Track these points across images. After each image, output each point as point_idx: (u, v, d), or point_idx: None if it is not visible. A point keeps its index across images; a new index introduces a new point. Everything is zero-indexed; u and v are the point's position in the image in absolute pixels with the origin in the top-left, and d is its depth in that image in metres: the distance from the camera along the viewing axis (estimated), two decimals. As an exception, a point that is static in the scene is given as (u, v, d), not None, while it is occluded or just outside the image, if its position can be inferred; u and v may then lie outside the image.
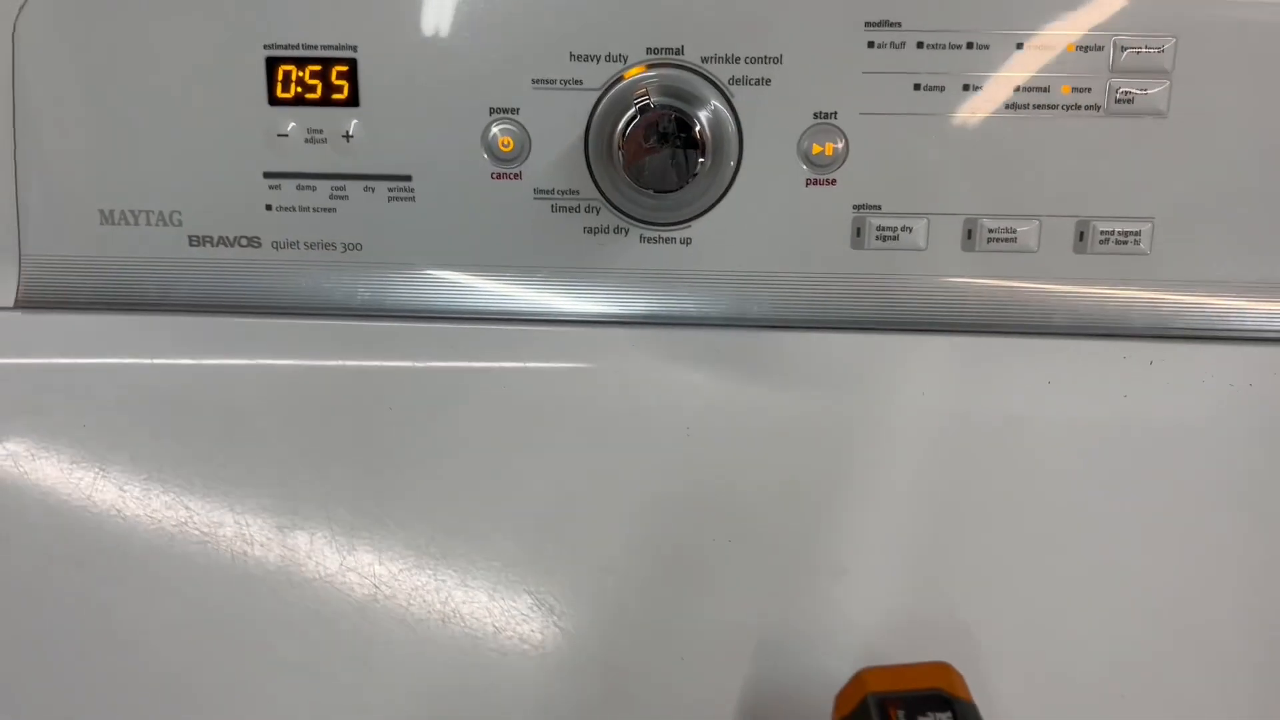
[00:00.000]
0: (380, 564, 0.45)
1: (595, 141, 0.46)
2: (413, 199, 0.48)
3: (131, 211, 0.48)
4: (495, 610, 0.45)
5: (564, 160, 0.47)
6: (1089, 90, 0.45)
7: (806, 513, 0.46)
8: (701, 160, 0.44)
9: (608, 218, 0.47)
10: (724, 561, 0.45)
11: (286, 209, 0.48)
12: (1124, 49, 0.45)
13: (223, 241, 0.49)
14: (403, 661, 0.45)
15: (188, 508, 0.46)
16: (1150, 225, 0.46)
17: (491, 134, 0.46)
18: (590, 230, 0.48)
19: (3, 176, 0.48)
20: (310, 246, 0.48)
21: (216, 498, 0.46)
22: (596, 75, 0.46)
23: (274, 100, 0.47)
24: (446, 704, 0.45)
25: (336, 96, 0.47)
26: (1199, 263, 0.47)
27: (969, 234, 0.47)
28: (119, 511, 0.46)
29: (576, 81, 0.46)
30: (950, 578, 0.45)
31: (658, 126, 0.44)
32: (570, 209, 0.47)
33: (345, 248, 0.48)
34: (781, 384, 0.47)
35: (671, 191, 0.45)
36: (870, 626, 0.44)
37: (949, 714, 0.35)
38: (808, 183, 0.47)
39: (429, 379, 0.47)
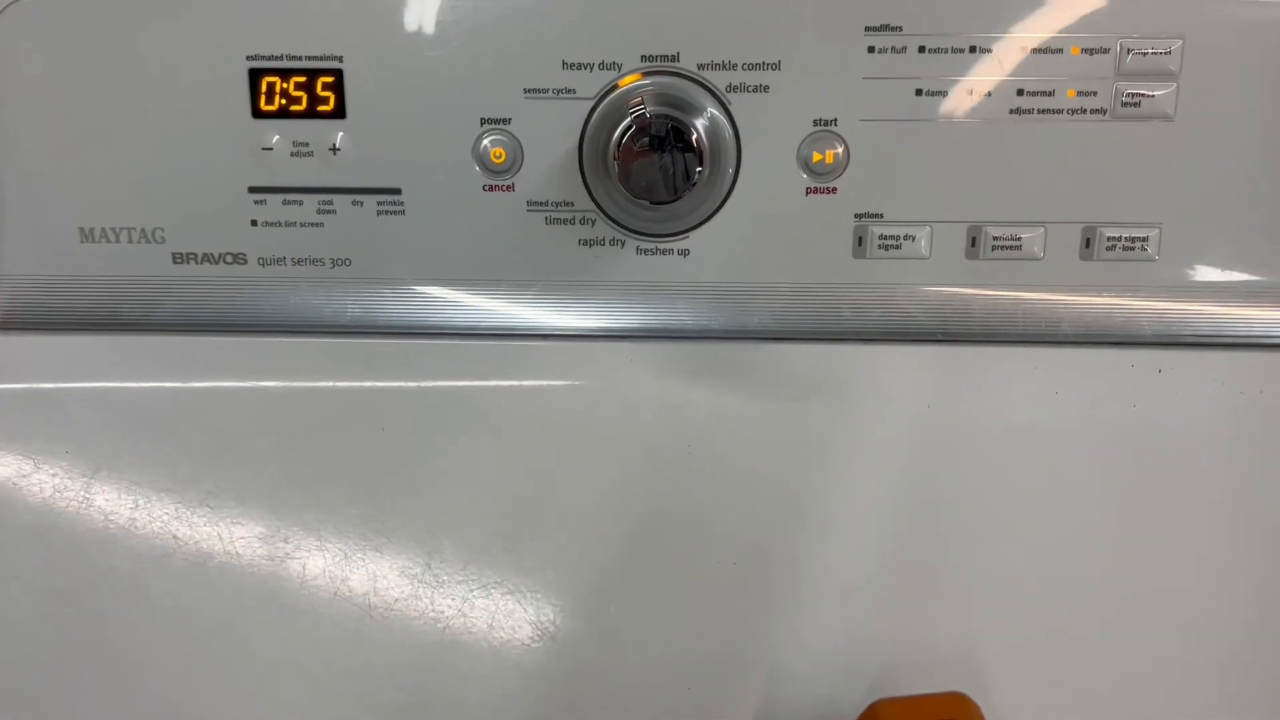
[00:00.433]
0: (375, 593, 0.44)
1: (590, 152, 0.45)
2: (402, 212, 0.46)
3: (112, 229, 0.47)
4: (494, 639, 0.44)
5: (558, 171, 0.45)
6: (1095, 94, 0.44)
7: (813, 531, 0.45)
8: (699, 170, 0.43)
9: (603, 229, 0.46)
10: (730, 584, 0.44)
11: (272, 224, 0.47)
12: (1130, 51, 0.44)
13: (207, 259, 0.47)
14: (398, 690, 0.44)
15: (175, 537, 0.45)
16: (1158, 231, 0.46)
17: (483, 145, 0.45)
18: (585, 242, 0.47)
19: (-22, 194, 0.47)
20: (297, 263, 0.47)
21: (204, 526, 0.45)
22: (590, 84, 0.44)
23: (257, 113, 0.45)
24: (445, 732, 0.44)
25: (322, 108, 0.45)
26: (1208, 268, 0.46)
27: (973, 242, 0.46)
28: (104, 541, 0.45)
29: (570, 90, 0.45)
30: (961, 593, 0.45)
31: (654, 136, 0.43)
32: (565, 221, 0.46)
33: (333, 263, 0.47)
34: (784, 397, 0.46)
35: (668, 202, 0.44)
36: (881, 649, 0.43)
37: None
38: (808, 191, 0.46)
39: (422, 398, 0.46)
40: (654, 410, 0.46)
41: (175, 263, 0.47)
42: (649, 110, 0.43)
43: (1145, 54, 0.44)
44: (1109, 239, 0.46)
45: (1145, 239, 0.46)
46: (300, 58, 0.45)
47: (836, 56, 0.44)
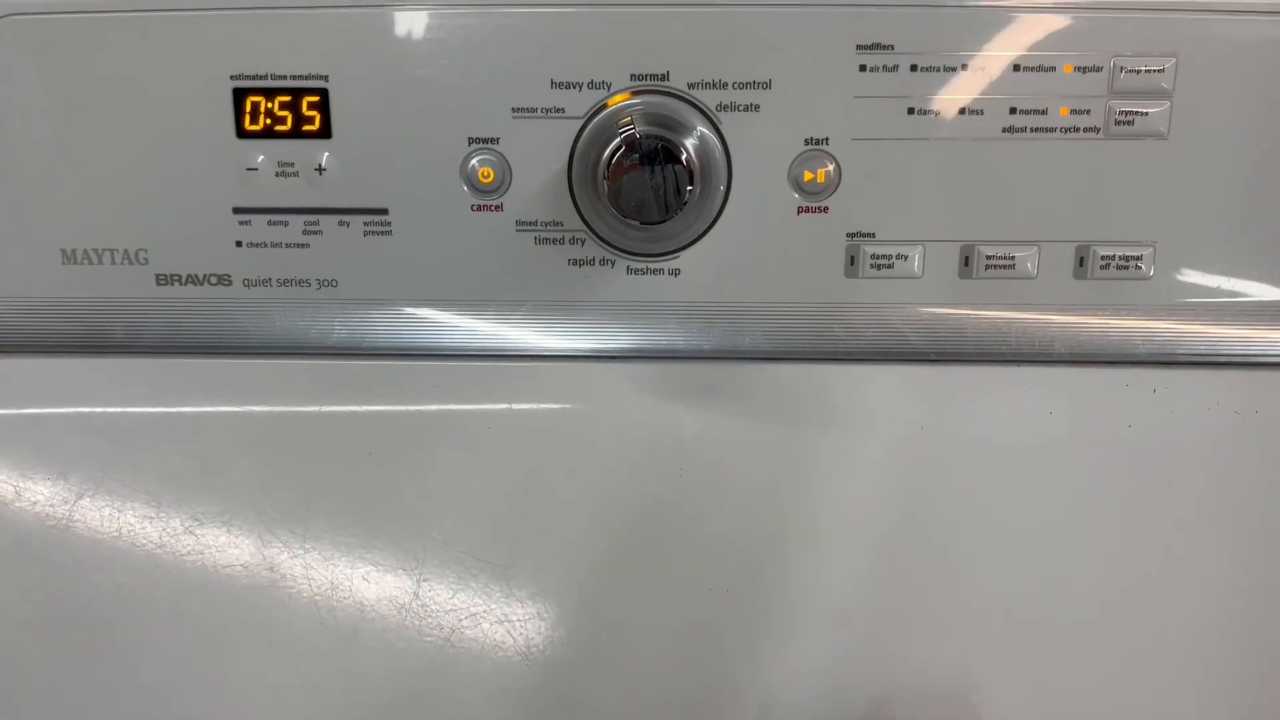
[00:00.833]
0: (362, 622, 0.43)
1: (579, 171, 0.44)
2: (389, 233, 0.46)
3: (94, 250, 0.46)
4: (484, 668, 0.43)
5: (547, 191, 0.45)
6: (1088, 112, 0.44)
7: (806, 556, 0.44)
8: (690, 189, 0.43)
9: (593, 249, 0.46)
10: (723, 613, 0.43)
11: (258, 245, 0.46)
12: (1123, 69, 0.43)
13: (191, 280, 0.47)
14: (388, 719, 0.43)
15: (159, 565, 0.44)
16: (1152, 249, 0.45)
17: (471, 165, 0.45)
18: (575, 262, 0.46)
19: (-42, 216, 0.46)
20: (283, 284, 0.47)
21: (188, 555, 0.44)
22: (579, 103, 0.44)
23: (242, 133, 0.45)
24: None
25: (308, 128, 0.45)
26: (1203, 287, 0.46)
27: (966, 261, 0.45)
28: (87, 569, 0.44)
29: (558, 110, 0.44)
30: (955, 617, 0.44)
31: (644, 155, 0.42)
32: (554, 241, 0.46)
33: (320, 284, 0.47)
34: (777, 418, 0.46)
35: (659, 222, 0.43)
36: (879, 680, 0.43)
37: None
38: (799, 210, 0.45)
39: (410, 421, 0.46)
40: (646, 431, 0.45)
41: (159, 284, 0.47)
42: (639, 130, 0.42)
43: (1139, 72, 0.43)
44: (1103, 258, 0.45)
45: (1139, 258, 0.45)
46: (285, 77, 0.44)
47: (827, 75, 0.43)
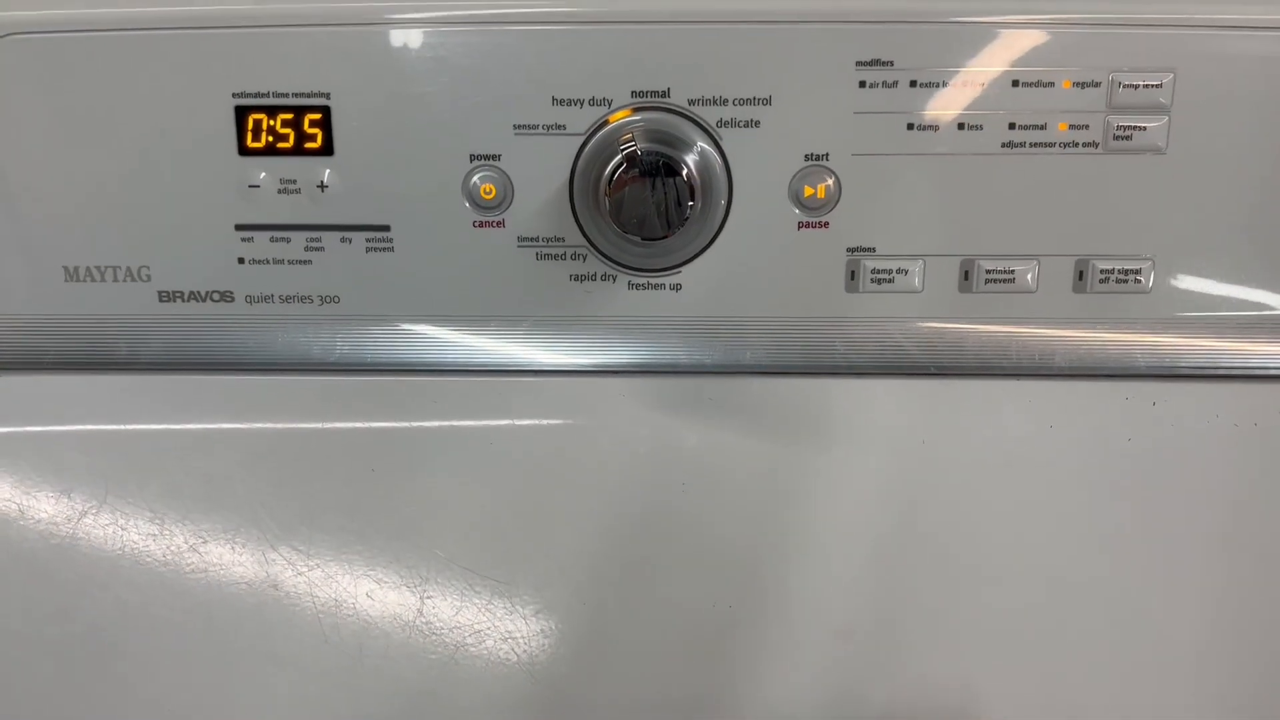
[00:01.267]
0: (368, 637, 0.43)
1: (580, 187, 0.44)
2: (391, 249, 0.46)
3: (97, 267, 0.47)
4: (487, 687, 0.43)
5: (548, 207, 0.45)
6: (1086, 127, 0.44)
7: (809, 571, 0.44)
8: (691, 204, 0.43)
9: (595, 265, 0.46)
10: (726, 630, 0.43)
11: (260, 262, 0.46)
12: (1121, 84, 0.44)
13: (194, 297, 0.47)
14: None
15: (162, 583, 0.44)
16: (1151, 263, 0.45)
17: (472, 181, 0.45)
18: (577, 278, 0.46)
19: (-39, 234, 0.46)
20: (285, 300, 0.47)
21: (191, 572, 0.44)
22: (580, 120, 0.44)
23: (244, 150, 0.45)
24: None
25: (310, 145, 0.45)
26: (1202, 300, 0.46)
27: (966, 275, 0.46)
28: (90, 587, 0.44)
29: (560, 126, 0.44)
30: (956, 631, 0.44)
31: (645, 171, 0.42)
32: (556, 257, 0.46)
33: (322, 301, 0.47)
34: (779, 432, 0.46)
35: (660, 238, 0.43)
36: (881, 694, 0.43)
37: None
38: (800, 226, 0.45)
39: (412, 438, 0.46)
40: (648, 446, 0.45)
41: (162, 301, 0.47)
42: (640, 146, 0.42)
43: (1137, 87, 0.44)
44: (1102, 272, 0.45)
45: (1138, 271, 0.45)
46: (287, 95, 0.44)
47: (827, 91, 0.44)
